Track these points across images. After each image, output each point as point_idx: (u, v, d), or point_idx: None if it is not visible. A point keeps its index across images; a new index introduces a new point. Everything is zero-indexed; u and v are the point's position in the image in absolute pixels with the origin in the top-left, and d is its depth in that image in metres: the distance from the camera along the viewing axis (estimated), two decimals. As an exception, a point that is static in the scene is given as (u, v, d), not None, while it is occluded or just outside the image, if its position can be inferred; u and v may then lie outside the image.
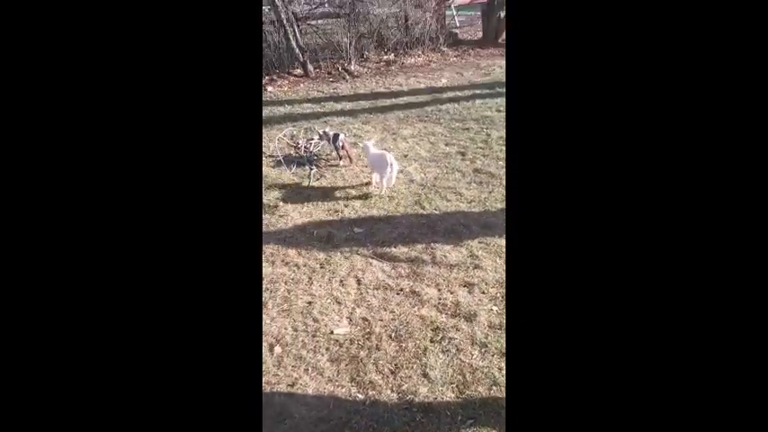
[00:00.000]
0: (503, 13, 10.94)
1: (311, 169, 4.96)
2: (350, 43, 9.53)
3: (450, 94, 7.47)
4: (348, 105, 7.28)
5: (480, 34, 11.63)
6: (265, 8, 9.05)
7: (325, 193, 4.50)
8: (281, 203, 4.35)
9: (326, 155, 5.37)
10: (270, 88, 8.51)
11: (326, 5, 10.18)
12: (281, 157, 5.34)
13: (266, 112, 7.14)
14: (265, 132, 6.23)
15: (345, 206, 4.21)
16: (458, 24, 12.37)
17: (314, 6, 10.04)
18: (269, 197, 4.48)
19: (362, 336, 2.73)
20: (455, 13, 12.48)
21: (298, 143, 5.75)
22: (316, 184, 4.72)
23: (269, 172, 5.07)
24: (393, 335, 2.72)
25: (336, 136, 5.10)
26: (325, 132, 5.37)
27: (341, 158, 5.19)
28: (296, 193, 4.54)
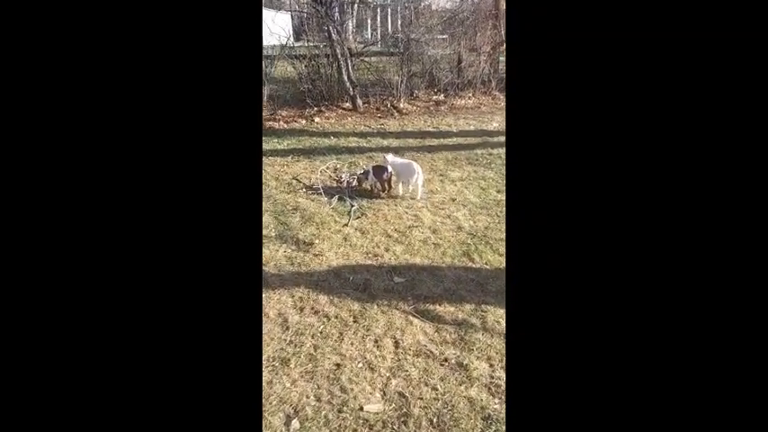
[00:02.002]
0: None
1: (352, 206, 4.55)
2: (401, 81, 9.31)
3: (502, 138, 7.00)
4: (395, 142, 6.93)
5: (532, 81, 11.24)
6: (320, 44, 9.00)
7: (365, 233, 4.05)
8: (317, 241, 3.92)
9: (371, 189, 4.96)
10: (317, 119, 8.31)
11: (379, 44, 10.10)
12: (321, 190, 4.96)
13: (311, 142, 6.88)
14: (308, 163, 5.91)
15: (386, 250, 3.74)
16: (502, 70, 12.02)
17: (369, 43, 9.97)
18: (305, 233, 4.06)
19: (398, 417, 2.20)
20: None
21: (341, 177, 5.38)
22: (356, 222, 4.28)
23: (308, 205, 4.68)
24: (435, 420, 2.18)
25: (382, 168, 4.77)
26: (365, 172, 5.05)
27: (384, 190, 4.85)
28: (334, 231, 4.11)
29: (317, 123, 8.13)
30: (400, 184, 4.94)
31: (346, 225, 4.22)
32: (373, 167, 5.04)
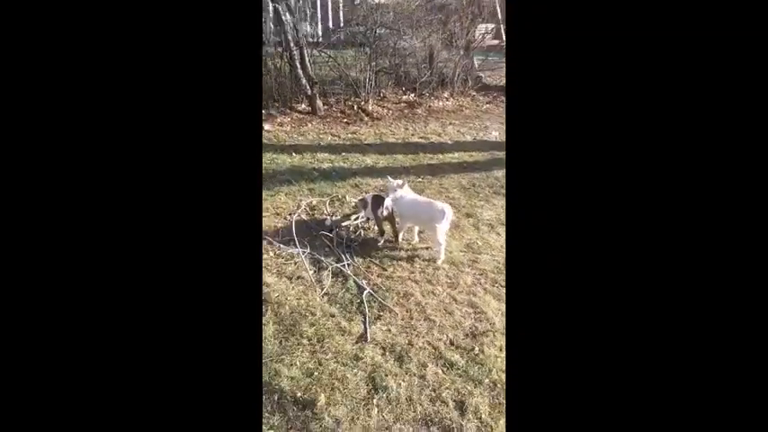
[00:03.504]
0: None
1: (359, 286, 2.64)
2: (368, 78, 7.40)
3: (516, 154, 5.36)
4: (380, 160, 5.04)
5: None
6: (270, 25, 6.84)
7: (402, 360, 2.18)
8: (321, 396, 1.99)
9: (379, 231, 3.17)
10: (267, 126, 6.18)
11: (341, 33, 8.09)
12: (300, 251, 2.98)
13: (265, 161, 4.79)
14: (267, 198, 3.85)
15: (458, 404, 1.88)
16: (477, 67, 10.45)
17: (332, 29, 7.92)
18: (294, 375, 2.10)
19: None
20: (480, 56, 10.57)
21: (325, 220, 3.43)
22: (378, 329, 2.38)
23: (282, 289, 2.68)
24: None
25: (380, 200, 3.07)
26: (362, 200, 3.31)
27: (382, 234, 3.19)
28: (344, 360, 2.21)
29: (269, 132, 6.01)
30: (415, 230, 3.23)
31: (365, 340, 2.29)
32: (372, 198, 3.23)
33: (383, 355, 2.19)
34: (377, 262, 2.98)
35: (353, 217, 3.45)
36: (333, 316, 2.45)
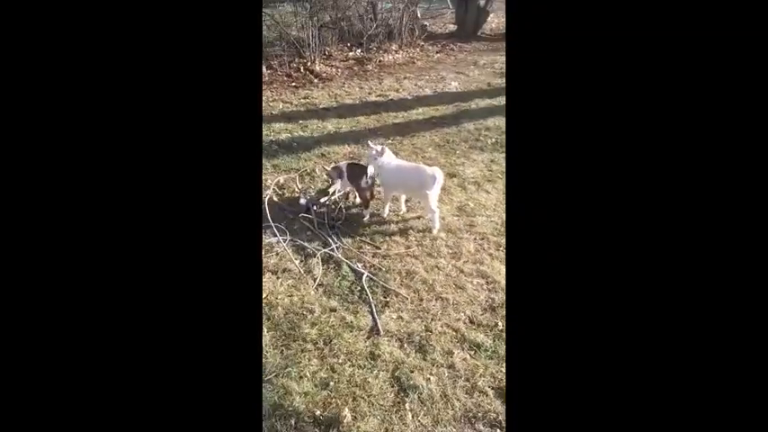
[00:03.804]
0: (482, 2, 8.80)
1: (355, 271, 2.35)
2: (311, 36, 6.80)
3: (482, 103, 5.11)
4: (343, 124, 4.62)
5: (451, 26, 9.42)
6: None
7: (425, 350, 1.93)
8: (346, 414, 1.72)
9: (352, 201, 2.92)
10: (208, 99, 5.52)
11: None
12: (279, 239, 2.62)
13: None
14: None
15: (491, 413, 1.68)
16: (420, 16, 9.94)
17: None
18: (303, 391, 1.81)
19: None
20: (422, 3, 10.01)
21: (299, 199, 3.06)
22: (389, 318, 2.12)
23: (269, 283, 2.33)
24: None
25: (359, 168, 2.83)
26: (336, 168, 2.98)
27: (367, 206, 2.91)
28: (360, 361, 1.94)
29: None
30: (402, 199, 2.94)
31: (377, 333, 2.01)
32: (348, 166, 2.92)
33: (401, 347, 1.94)
34: (368, 240, 2.68)
35: (330, 191, 3.09)
36: (334, 310, 2.15)
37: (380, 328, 2.03)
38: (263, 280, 2.35)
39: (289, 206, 3.03)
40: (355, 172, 2.84)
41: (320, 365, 1.86)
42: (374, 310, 2.13)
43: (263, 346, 1.94)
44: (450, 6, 10.17)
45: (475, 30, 8.92)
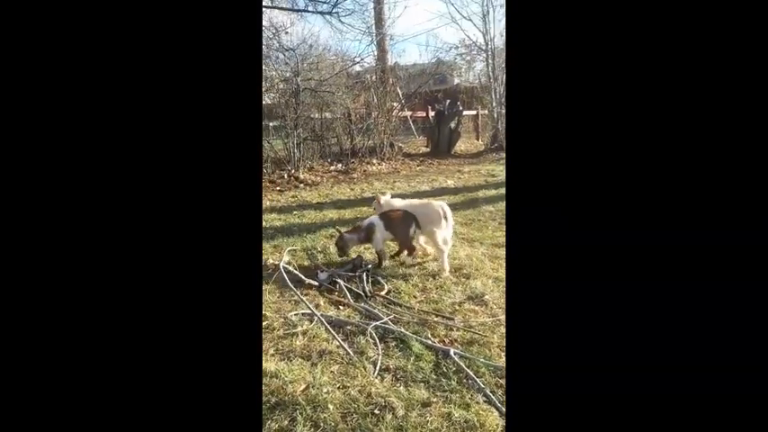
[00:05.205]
0: (453, 124, 9.28)
1: (394, 338, 1.51)
2: (295, 146, 6.64)
3: (490, 192, 4.76)
4: (346, 213, 4.02)
5: (424, 149, 9.75)
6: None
7: None
8: None
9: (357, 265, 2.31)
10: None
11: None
12: (300, 314, 1.77)
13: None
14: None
15: None
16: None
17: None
18: None
19: None
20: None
21: (317, 274, 2.28)
22: None
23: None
24: None
25: (409, 219, 2.44)
26: (367, 226, 2.54)
27: (411, 254, 2.49)
28: None
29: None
30: (421, 239, 2.59)
31: None
32: (381, 217, 2.47)
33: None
34: (429, 310, 1.87)
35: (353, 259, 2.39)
36: (428, 404, 1.26)
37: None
38: (291, 368, 1.45)
39: (307, 277, 2.22)
40: (391, 220, 2.42)
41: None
42: (494, 398, 1.26)
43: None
44: (416, 135, 10.71)
45: (449, 149, 9.22)
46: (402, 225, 2.38)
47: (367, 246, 2.57)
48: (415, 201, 2.73)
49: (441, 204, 2.46)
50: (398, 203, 2.64)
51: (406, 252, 2.50)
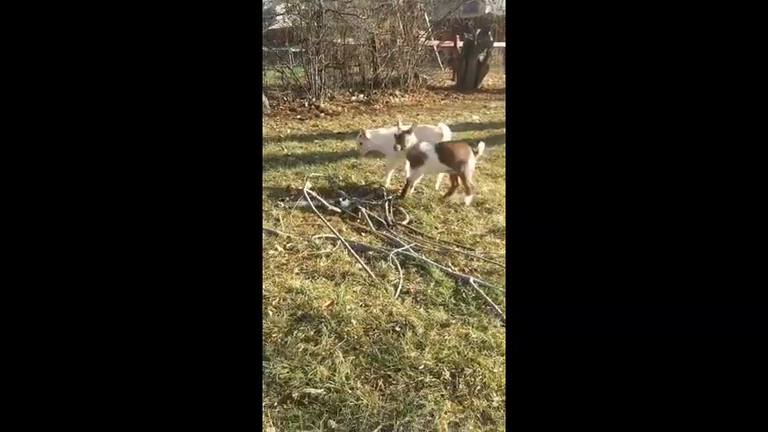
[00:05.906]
0: (482, 57, 8.82)
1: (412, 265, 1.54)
2: (315, 73, 6.44)
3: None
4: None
5: (449, 82, 9.36)
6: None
7: None
8: None
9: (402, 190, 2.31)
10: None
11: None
12: (323, 237, 1.81)
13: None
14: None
15: None
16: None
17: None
18: None
19: None
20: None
21: (343, 201, 2.29)
22: None
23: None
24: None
25: (461, 147, 2.41)
26: (417, 153, 2.40)
27: (456, 187, 2.49)
28: None
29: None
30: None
31: None
32: (438, 148, 2.37)
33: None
34: (449, 240, 1.89)
35: (386, 185, 2.40)
36: (447, 325, 1.31)
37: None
38: (316, 285, 1.51)
39: (329, 201, 2.25)
40: (447, 153, 2.27)
41: (458, 409, 0.99)
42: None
43: (342, 375, 1.08)
44: (441, 67, 10.24)
45: (475, 83, 8.83)
46: (466, 158, 2.25)
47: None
48: (426, 125, 2.75)
49: (441, 126, 2.51)
50: (384, 132, 2.71)
51: (465, 192, 2.35)
